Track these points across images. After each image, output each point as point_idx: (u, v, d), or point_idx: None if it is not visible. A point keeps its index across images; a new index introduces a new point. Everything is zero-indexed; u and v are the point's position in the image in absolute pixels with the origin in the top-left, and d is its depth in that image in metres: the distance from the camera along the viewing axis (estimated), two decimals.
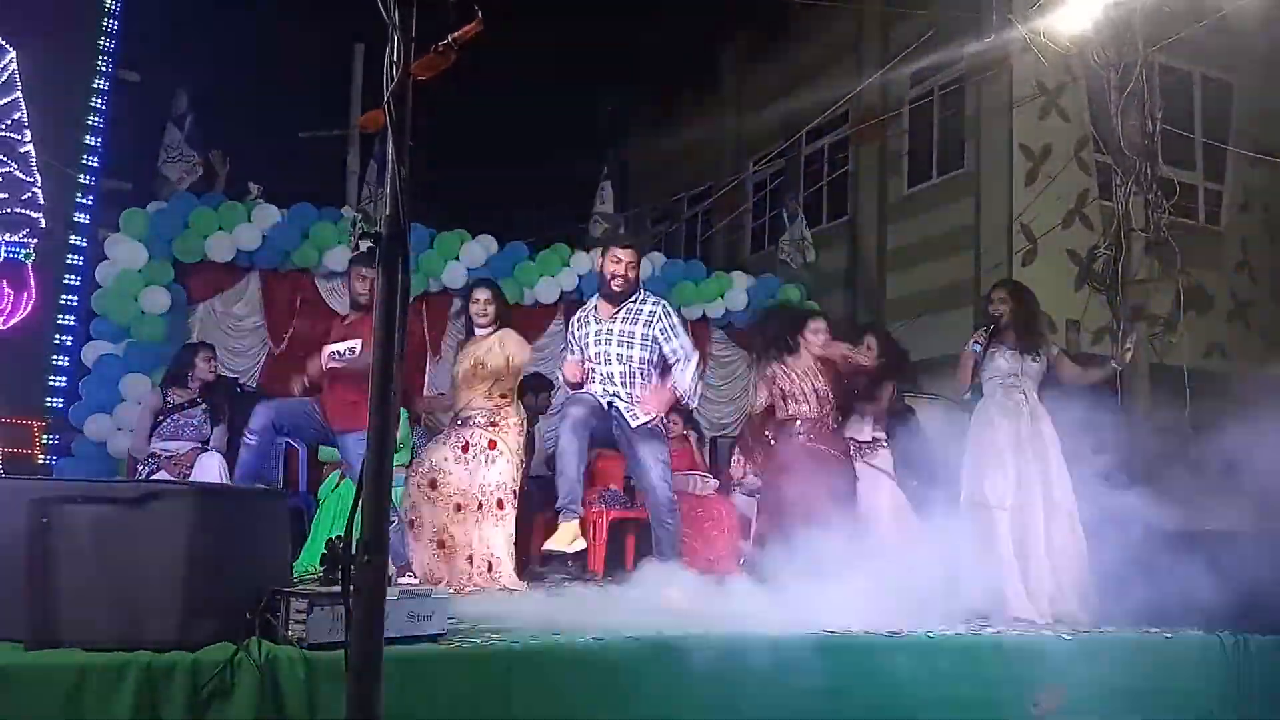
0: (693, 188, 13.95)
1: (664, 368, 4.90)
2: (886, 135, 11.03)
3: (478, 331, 5.25)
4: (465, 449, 5.08)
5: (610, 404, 4.80)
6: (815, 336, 5.29)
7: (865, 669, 3.40)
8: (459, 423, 5.18)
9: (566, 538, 4.64)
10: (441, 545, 4.97)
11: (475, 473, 5.04)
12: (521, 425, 5.23)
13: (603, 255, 4.95)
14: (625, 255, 4.86)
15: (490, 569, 4.92)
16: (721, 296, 8.92)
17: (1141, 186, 7.86)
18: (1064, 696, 3.67)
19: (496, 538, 4.97)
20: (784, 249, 10.23)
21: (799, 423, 5.20)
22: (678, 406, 7.68)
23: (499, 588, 4.82)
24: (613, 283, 4.83)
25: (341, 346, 4.96)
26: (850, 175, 11.81)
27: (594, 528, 6.90)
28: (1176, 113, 9.01)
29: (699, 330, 9.03)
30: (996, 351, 4.92)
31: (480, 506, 5.00)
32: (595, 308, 5.00)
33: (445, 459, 5.07)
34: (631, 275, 4.87)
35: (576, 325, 5.06)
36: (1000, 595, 4.50)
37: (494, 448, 5.09)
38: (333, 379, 4.97)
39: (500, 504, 5.02)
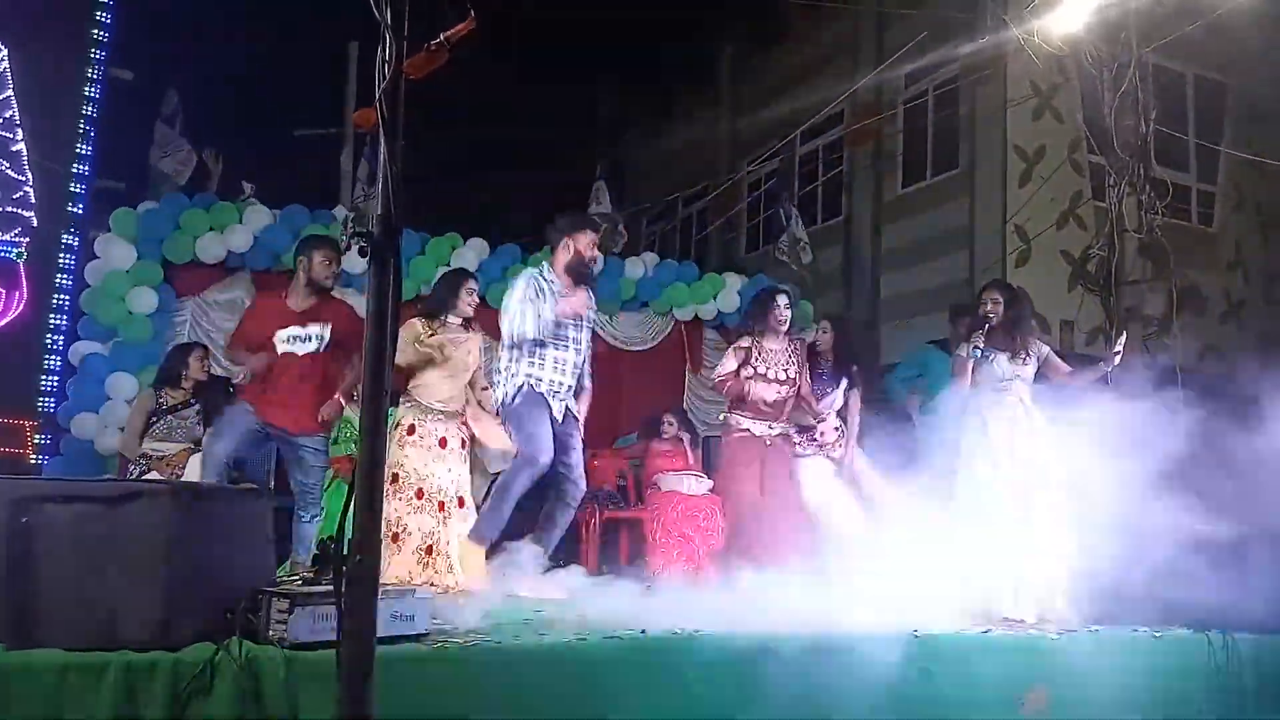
0: (688, 188, 13.93)
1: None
2: (881, 136, 11.02)
3: (452, 320, 5.19)
4: (443, 444, 5.05)
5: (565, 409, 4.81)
6: (785, 312, 5.49)
7: (851, 668, 3.39)
8: (432, 417, 5.10)
9: (481, 570, 4.62)
10: (430, 550, 4.92)
11: (453, 469, 5.03)
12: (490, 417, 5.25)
13: (573, 239, 4.75)
14: (596, 238, 4.84)
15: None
16: (714, 298, 8.91)
17: (1135, 187, 7.87)
18: (1050, 696, 3.67)
19: (477, 560, 4.86)
20: (782, 249, 10.24)
21: (763, 407, 5.39)
22: (672, 409, 7.76)
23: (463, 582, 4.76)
24: (594, 266, 4.80)
25: (301, 331, 4.81)
26: (845, 176, 11.80)
27: (587, 527, 6.91)
28: (1170, 113, 9.01)
29: (692, 329, 9.03)
30: (990, 353, 4.91)
31: (461, 503, 5.00)
32: (558, 288, 4.76)
33: (425, 461, 5.01)
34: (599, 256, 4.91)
35: (547, 297, 4.72)
36: (989, 595, 4.50)
37: (464, 447, 5.13)
38: (283, 374, 4.76)
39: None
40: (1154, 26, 7.85)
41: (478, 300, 5.27)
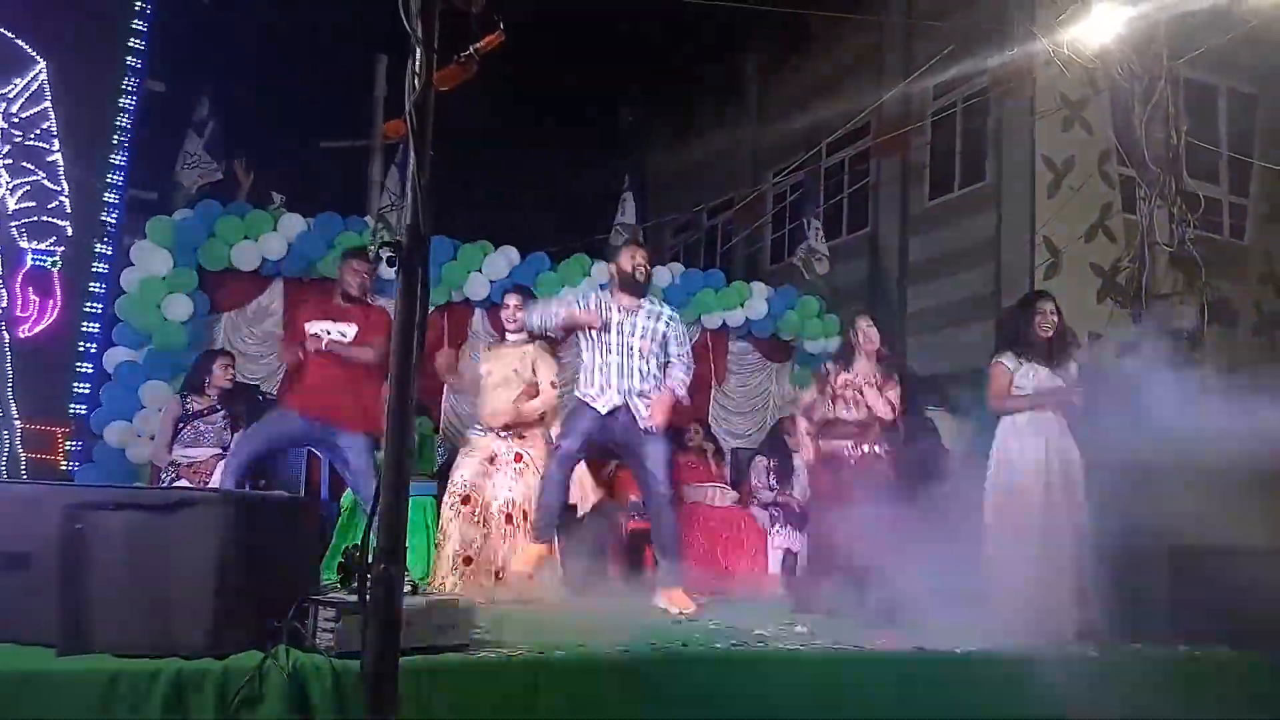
0: (713, 199, 13.95)
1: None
2: (908, 147, 11.00)
3: (509, 337, 5.31)
4: (492, 461, 5.12)
5: (624, 406, 4.86)
6: (869, 331, 5.37)
7: (894, 685, 3.38)
8: (485, 433, 5.21)
9: (531, 559, 4.82)
10: (467, 561, 4.97)
11: (500, 485, 5.09)
12: (547, 438, 5.29)
13: (619, 255, 5.10)
14: (642, 252, 5.07)
15: (498, 576, 4.99)
16: (742, 305, 8.89)
17: (1165, 199, 7.83)
18: (1090, 714, 3.64)
19: (508, 549, 5.02)
20: (799, 254, 10.22)
21: (843, 430, 5.25)
22: (695, 417, 7.76)
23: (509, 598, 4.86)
24: (636, 273, 4.96)
25: (333, 327, 4.96)
26: (871, 187, 11.78)
27: (613, 537, 6.91)
28: (1201, 125, 8.96)
29: (718, 339, 9.01)
30: (1026, 366, 4.84)
31: (509, 520, 5.06)
32: (611, 295, 5.05)
33: (476, 473, 5.12)
34: (650, 269, 5.08)
35: (595, 302, 5.01)
36: (1026, 612, 4.46)
37: (519, 460, 5.20)
38: (318, 369, 4.92)
39: (525, 516, 5.06)
40: (1185, 38, 7.81)
41: (521, 313, 5.33)
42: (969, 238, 10.25)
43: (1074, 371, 4.91)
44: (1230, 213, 10.42)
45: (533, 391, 5.25)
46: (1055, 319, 4.85)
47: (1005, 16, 9.36)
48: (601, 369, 4.88)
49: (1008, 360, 4.87)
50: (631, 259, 4.99)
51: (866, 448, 5.29)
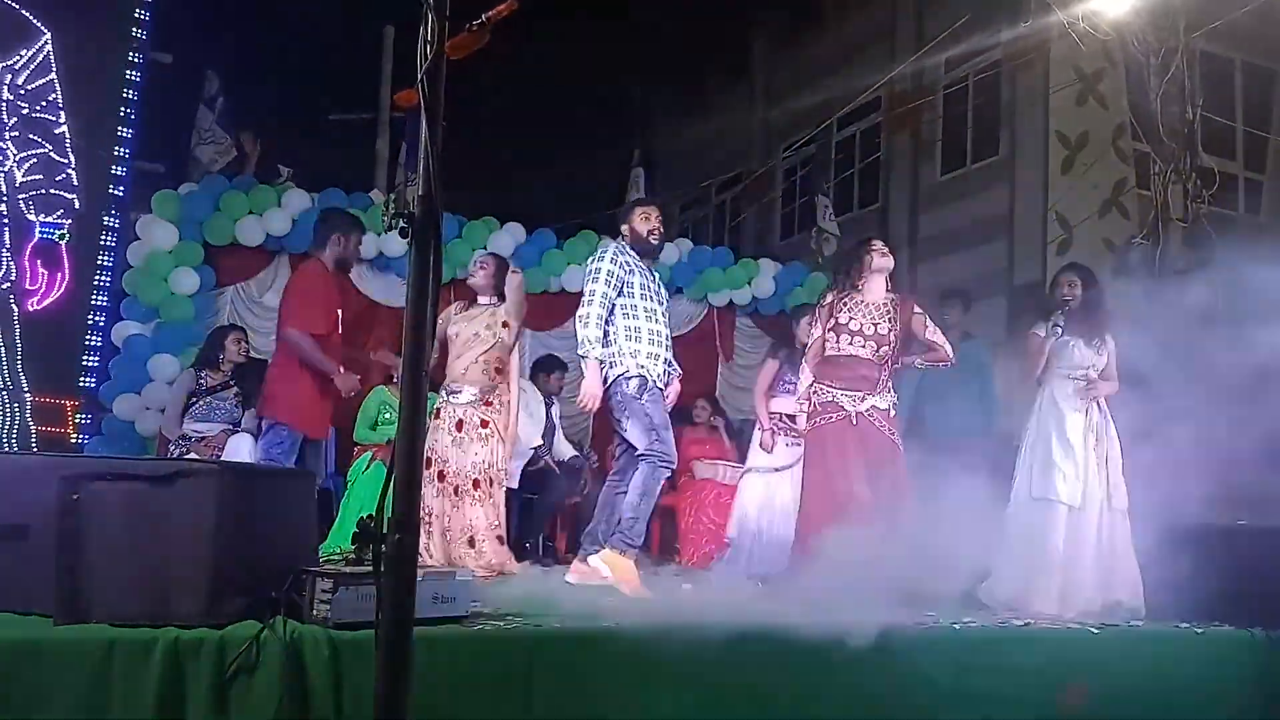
0: (723, 174, 13.87)
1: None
2: (920, 122, 10.90)
3: (480, 300, 5.26)
4: (459, 427, 5.06)
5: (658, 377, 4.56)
6: (881, 259, 4.92)
7: (889, 661, 3.37)
8: (451, 399, 5.12)
9: (632, 573, 4.37)
10: (444, 534, 4.96)
11: (468, 451, 5.02)
12: (511, 406, 5.23)
13: (632, 215, 4.74)
14: (655, 211, 4.76)
15: (472, 544, 4.89)
16: (749, 283, 8.85)
17: (1181, 175, 7.74)
18: (1089, 692, 3.63)
19: (480, 516, 4.93)
20: (813, 237, 10.17)
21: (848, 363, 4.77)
22: (704, 396, 7.75)
23: (482, 567, 4.75)
24: (650, 237, 4.66)
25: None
26: (882, 162, 11.70)
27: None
28: (1217, 101, 8.84)
29: (724, 317, 8.97)
30: (1068, 340, 4.75)
31: (476, 485, 4.99)
32: (630, 255, 4.66)
33: (445, 444, 5.04)
34: (662, 232, 4.78)
35: (624, 269, 4.58)
36: (1031, 589, 4.44)
37: (485, 426, 5.08)
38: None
39: (491, 483, 5.01)
40: (1202, 11, 7.70)
41: (486, 271, 5.26)
42: (981, 213, 10.18)
43: (1112, 349, 4.80)
44: (1246, 188, 10.30)
45: (504, 358, 5.18)
46: (1078, 290, 4.77)
47: None
48: (651, 336, 4.52)
49: (1040, 329, 4.80)
50: (646, 220, 4.68)
51: (873, 400, 4.74)
